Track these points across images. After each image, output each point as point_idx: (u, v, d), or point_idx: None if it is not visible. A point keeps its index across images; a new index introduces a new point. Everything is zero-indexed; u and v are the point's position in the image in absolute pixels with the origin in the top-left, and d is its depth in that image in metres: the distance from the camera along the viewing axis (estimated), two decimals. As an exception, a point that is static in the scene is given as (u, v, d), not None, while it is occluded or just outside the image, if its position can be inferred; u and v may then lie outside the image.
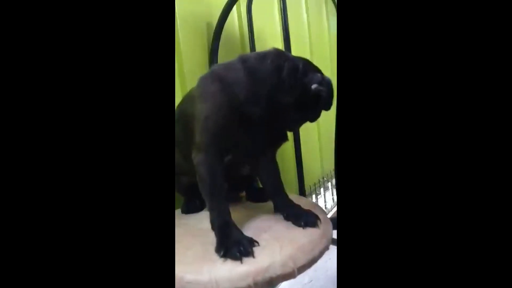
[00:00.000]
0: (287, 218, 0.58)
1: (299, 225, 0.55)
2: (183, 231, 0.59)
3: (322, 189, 1.44)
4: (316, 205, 0.67)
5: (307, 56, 0.80)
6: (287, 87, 0.51)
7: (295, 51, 0.75)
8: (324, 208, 1.40)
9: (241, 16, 1.01)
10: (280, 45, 0.76)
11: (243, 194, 0.75)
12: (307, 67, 0.53)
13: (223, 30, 0.88)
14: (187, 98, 0.64)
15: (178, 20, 0.82)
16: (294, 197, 0.69)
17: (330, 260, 0.74)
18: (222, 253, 0.47)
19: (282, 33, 0.88)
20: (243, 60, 0.54)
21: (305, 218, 0.56)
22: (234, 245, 0.47)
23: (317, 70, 0.55)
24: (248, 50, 0.99)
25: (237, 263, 0.45)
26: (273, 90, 0.51)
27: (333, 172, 1.44)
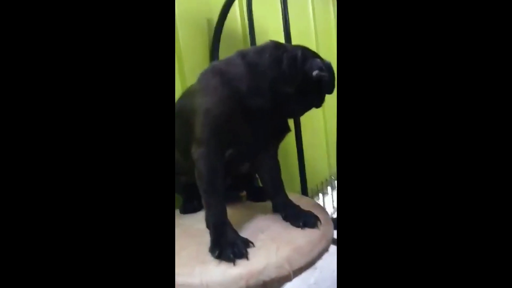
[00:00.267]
0: (285, 218, 0.57)
1: (298, 226, 0.53)
2: (180, 231, 0.58)
3: (329, 188, 1.42)
4: (317, 205, 0.65)
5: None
6: (288, 77, 0.51)
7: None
8: (332, 207, 1.38)
9: (242, 12, 0.99)
10: (282, 41, 0.74)
11: (244, 193, 0.74)
12: (305, 54, 0.53)
13: (224, 26, 0.86)
14: (187, 94, 0.63)
15: (178, 17, 0.81)
16: (296, 196, 0.67)
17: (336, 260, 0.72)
18: (216, 253, 0.46)
19: (283, 28, 0.86)
20: (242, 55, 0.54)
21: (304, 218, 0.54)
22: (228, 246, 0.46)
23: (315, 55, 0.54)
24: (249, 46, 0.97)
25: (230, 265, 0.44)
26: (275, 82, 0.51)
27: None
